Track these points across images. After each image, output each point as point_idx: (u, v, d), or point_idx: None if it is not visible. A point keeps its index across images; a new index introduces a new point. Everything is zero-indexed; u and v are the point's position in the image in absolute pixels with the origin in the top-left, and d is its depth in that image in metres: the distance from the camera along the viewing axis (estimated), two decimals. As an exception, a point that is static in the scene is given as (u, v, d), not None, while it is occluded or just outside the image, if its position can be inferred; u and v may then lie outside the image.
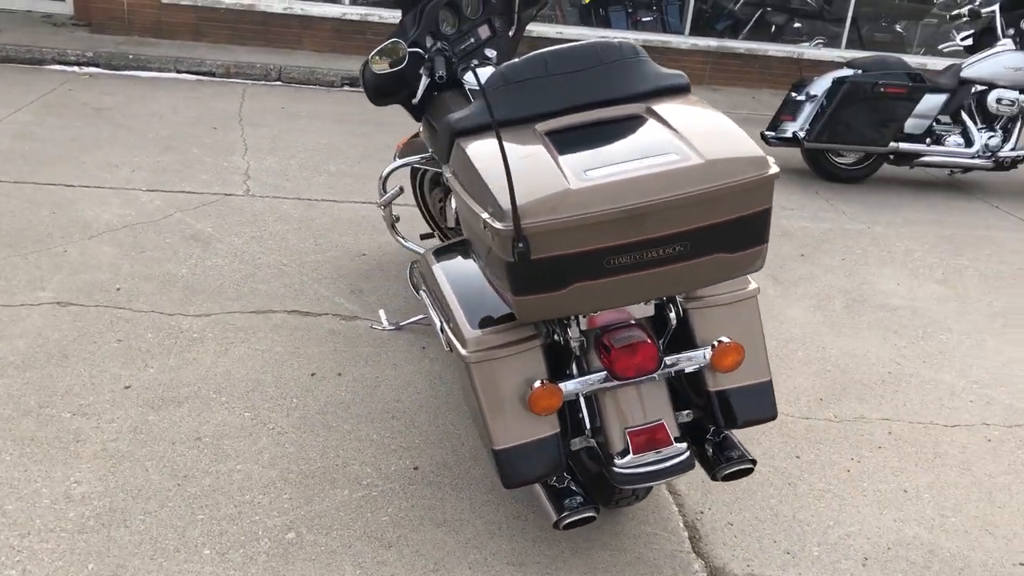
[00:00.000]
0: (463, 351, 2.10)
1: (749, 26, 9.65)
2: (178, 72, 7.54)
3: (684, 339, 2.22)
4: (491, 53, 3.28)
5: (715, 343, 2.15)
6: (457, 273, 2.38)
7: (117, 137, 5.54)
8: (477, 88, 3.09)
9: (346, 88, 7.78)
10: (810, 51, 9.57)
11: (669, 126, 2.00)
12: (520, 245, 1.78)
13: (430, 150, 3.35)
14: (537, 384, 2.04)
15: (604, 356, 2.09)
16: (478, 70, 3.16)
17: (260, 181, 5.03)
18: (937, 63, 9.00)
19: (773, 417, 2.27)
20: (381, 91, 3.17)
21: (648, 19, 9.45)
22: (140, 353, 3.14)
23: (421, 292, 2.54)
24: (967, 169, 6.24)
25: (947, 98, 5.98)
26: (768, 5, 9.68)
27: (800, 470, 2.87)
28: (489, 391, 2.08)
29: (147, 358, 3.12)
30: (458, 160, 2.09)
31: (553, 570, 2.34)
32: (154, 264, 3.83)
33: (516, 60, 2.17)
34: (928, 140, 6.03)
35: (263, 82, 7.65)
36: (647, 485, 2.16)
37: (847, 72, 5.85)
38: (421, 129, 3.46)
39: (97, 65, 7.44)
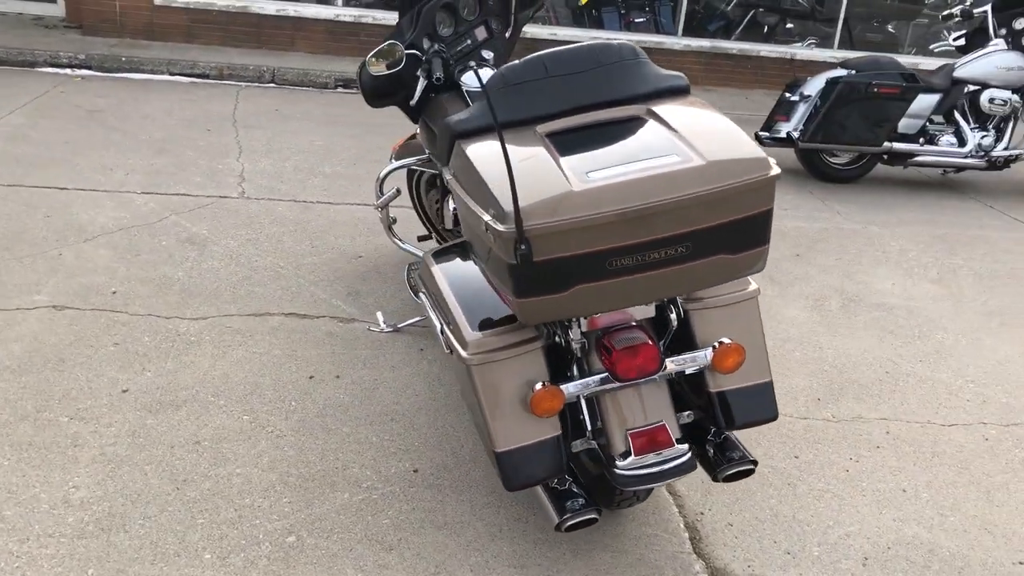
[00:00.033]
0: (464, 353, 2.10)
1: (741, 27, 9.68)
2: (171, 74, 7.52)
3: (685, 340, 2.23)
4: (488, 55, 3.27)
5: (716, 344, 2.15)
6: (457, 275, 2.38)
7: (111, 140, 5.52)
8: (475, 90, 3.09)
9: (340, 90, 7.77)
10: (802, 51, 9.60)
11: (670, 127, 2.00)
12: (522, 247, 1.78)
13: (427, 152, 3.35)
14: (539, 386, 2.04)
15: (605, 357, 2.09)
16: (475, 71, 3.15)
17: (255, 183, 5.01)
18: (928, 63, 9.03)
19: (774, 418, 2.28)
20: (378, 93, 3.17)
21: (641, 20, 9.47)
22: (137, 357, 3.13)
23: (420, 294, 2.54)
24: (960, 168, 6.27)
25: (940, 98, 6.00)
26: (760, 6, 9.71)
27: (799, 470, 2.88)
28: (490, 393, 2.08)
29: (144, 361, 3.11)
30: (459, 162, 2.09)
31: (554, 572, 2.34)
32: (150, 267, 3.82)
33: (516, 62, 2.17)
34: (921, 140, 6.05)
35: (257, 84, 7.63)
36: (649, 487, 2.16)
37: (841, 72, 5.87)
38: (418, 131, 3.45)
39: (89, 67, 7.42)
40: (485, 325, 2.15)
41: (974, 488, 2.88)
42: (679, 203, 1.82)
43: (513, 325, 2.12)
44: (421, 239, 3.88)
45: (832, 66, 6.14)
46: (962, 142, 6.09)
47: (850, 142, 5.90)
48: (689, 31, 9.45)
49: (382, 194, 3.54)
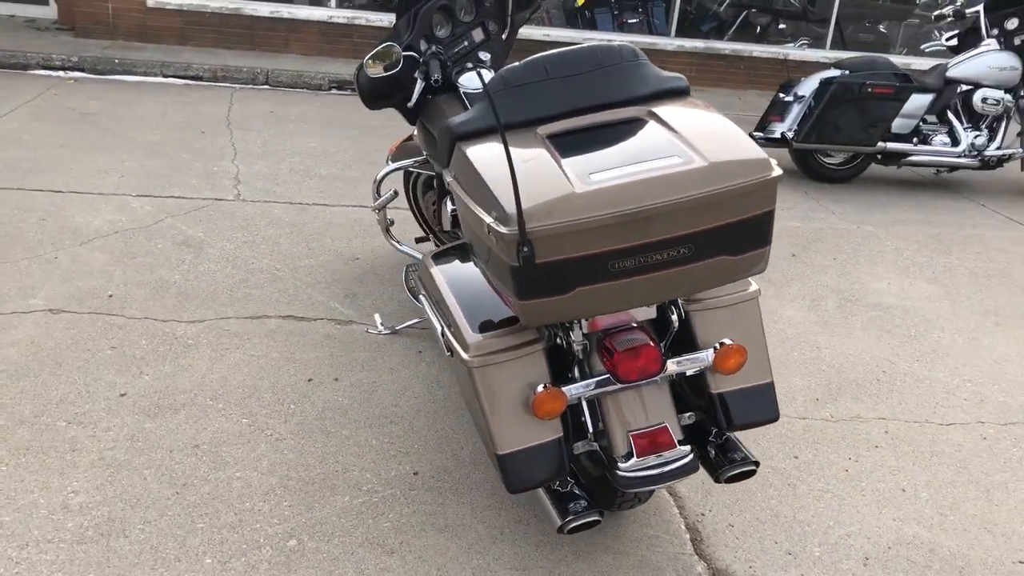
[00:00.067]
0: (465, 356, 2.09)
1: (734, 28, 9.70)
2: (164, 76, 7.50)
3: (686, 341, 2.23)
4: (485, 56, 3.27)
5: (717, 345, 2.15)
6: (457, 277, 2.37)
7: (105, 142, 5.50)
8: (473, 91, 3.09)
9: (334, 91, 7.76)
10: (795, 52, 9.62)
11: (671, 129, 2.00)
12: (525, 249, 1.77)
13: (425, 153, 3.35)
14: (540, 388, 2.04)
15: (607, 359, 2.09)
16: (472, 73, 3.15)
17: (250, 186, 5.00)
18: (919, 63, 9.06)
19: (775, 419, 2.28)
20: (376, 95, 3.16)
21: (634, 21, 9.47)
22: (135, 360, 3.12)
23: (420, 296, 2.53)
24: (953, 168, 6.29)
25: (933, 98, 6.02)
26: (752, 6, 9.73)
27: (799, 470, 2.88)
28: (492, 396, 2.07)
29: (142, 365, 3.10)
30: (460, 164, 2.09)
31: (556, 575, 2.33)
32: (146, 270, 3.80)
33: (516, 64, 2.17)
34: (915, 140, 6.07)
35: (251, 86, 7.62)
36: (651, 488, 2.16)
37: (835, 73, 5.89)
38: (416, 132, 3.45)
39: (82, 70, 7.39)
40: (486, 327, 2.14)
41: (973, 487, 2.89)
42: (681, 205, 1.82)
43: (514, 327, 2.12)
44: (419, 241, 3.87)
45: (825, 66, 6.16)
46: (955, 142, 6.11)
47: (844, 142, 5.92)
48: (682, 32, 9.47)
49: (379, 196, 3.53)
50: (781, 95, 6.06)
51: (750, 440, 2.98)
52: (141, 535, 2.32)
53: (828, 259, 4.78)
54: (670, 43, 9.25)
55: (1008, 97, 6.10)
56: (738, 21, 9.70)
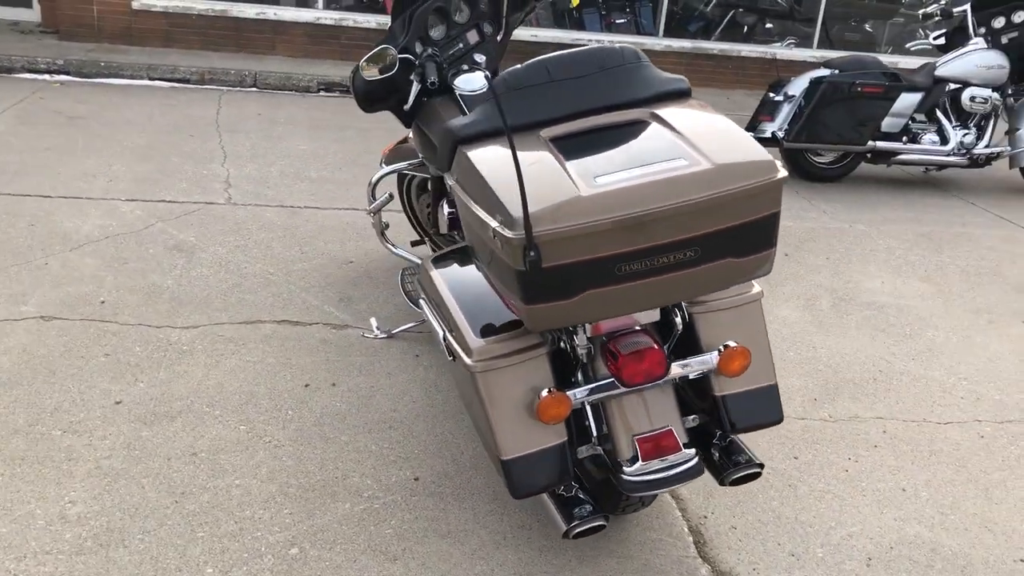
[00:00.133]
0: (468, 360, 2.08)
1: (721, 27, 9.71)
2: (151, 79, 7.45)
3: (689, 344, 2.22)
4: (480, 58, 3.25)
5: (722, 347, 2.15)
6: (457, 281, 2.36)
7: (93, 146, 5.45)
8: (469, 94, 3.07)
9: (323, 93, 7.73)
10: (783, 51, 9.65)
11: (675, 131, 1.99)
12: (532, 254, 1.76)
13: (420, 156, 3.32)
14: (545, 393, 2.02)
15: (611, 363, 2.08)
16: (468, 75, 3.13)
17: (241, 189, 4.97)
18: (905, 62, 9.10)
19: (779, 420, 2.27)
20: (371, 97, 3.14)
21: (622, 21, 9.48)
22: (129, 367, 3.09)
23: (420, 301, 2.51)
24: (942, 166, 6.32)
25: (922, 97, 6.04)
26: (740, 6, 9.75)
27: (799, 471, 2.88)
28: (496, 401, 2.06)
29: (137, 372, 3.06)
30: (462, 168, 2.07)
31: (561, 579, 2.32)
32: (138, 276, 3.77)
33: (518, 66, 2.15)
34: (904, 138, 6.10)
35: (238, 88, 7.57)
36: (657, 492, 2.15)
37: (824, 72, 5.91)
38: (411, 135, 3.43)
39: (68, 73, 7.33)
40: (488, 331, 2.13)
41: (972, 486, 2.89)
42: (688, 207, 1.81)
43: (517, 331, 2.10)
44: (414, 244, 3.85)
45: (813, 65, 6.18)
46: (944, 140, 6.14)
47: (835, 141, 5.93)
48: (670, 32, 9.48)
49: (374, 199, 3.51)
50: (771, 95, 6.07)
51: (750, 441, 2.97)
52: (141, 545, 2.29)
53: (821, 258, 4.79)
54: (658, 43, 9.26)
55: (996, 95, 6.14)
56: (725, 21, 9.72)
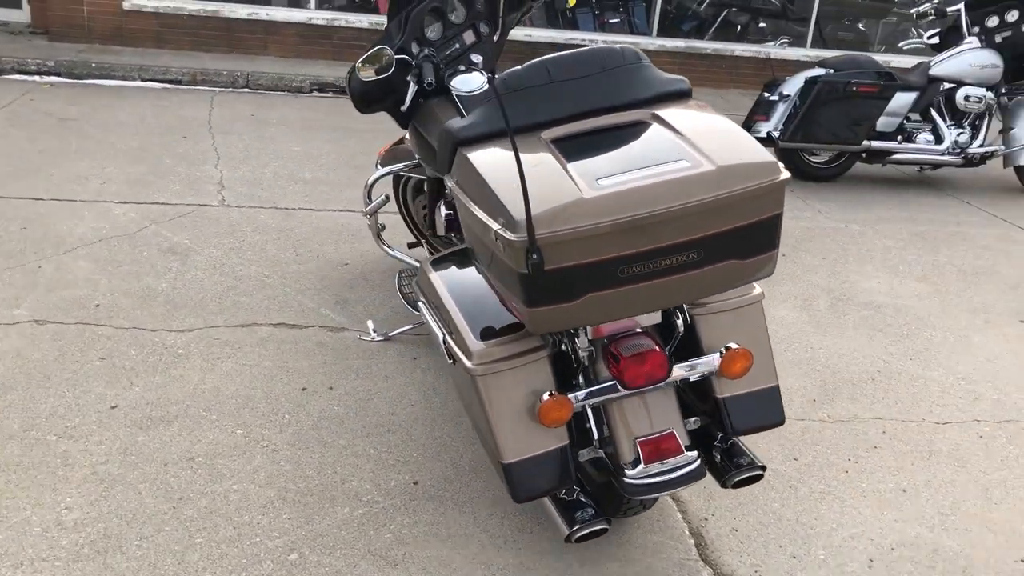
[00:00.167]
0: (469, 364, 2.06)
1: (715, 27, 9.71)
2: (143, 80, 7.41)
3: (690, 346, 2.20)
4: (477, 58, 3.23)
5: (723, 349, 2.13)
6: (457, 283, 2.34)
7: (85, 148, 5.41)
8: (466, 94, 3.05)
9: (315, 94, 7.70)
10: (776, 50, 9.65)
11: (677, 132, 1.98)
12: (534, 256, 1.74)
13: (417, 157, 3.31)
14: (546, 396, 2.01)
15: (613, 365, 2.06)
16: (465, 76, 3.11)
17: (235, 191, 4.94)
18: (898, 61, 9.11)
19: (781, 422, 2.26)
20: (368, 98, 3.12)
21: (615, 21, 9.47)
22: (124, 371, 3.06)
23: (419, 304, 2.49)
24: (937, 166, 6.33)
25: (917, 96, 6.05)
26: (733, 5, 9.75)
27: (799, 472, 2.87)
28: (497, 404, 2.04)
29: (132, 376, 3.04)
30: (463, 170, 2.05)
31: (562, 583, 2.31)
32: (132, 279, 3.74)
33: (518, 67, 2.14)
34: (899, 138, 6.10)
35: (231, 89, 7.54)
36: (659, 495, 2.13)
37: (819, 71, 5.91)
38: (407, 136, 3.41)
39: (58, 74, 7.28)
40: (488, 334, 2.11)
41: (972, 486, 2.89)
42: (691, 209, 1.80)
43: (518, 334, 2.09)
44: (411, 246, 3.83)
45: (807, 65, 6.18)
46: (939, 139, 6.15)
47: (830, 141, 5.93)
48: (663, 31, 9.47)
49: (370, 201, 3.49)
50: (766, 94, 6.07)
51: (749, 442, 2.95)
52: (138, 551, 2.26)
53: (817, 258, 4.79)
54: (652, 43, 9.25)
55: (990, 95, 6.15)
56: (718, 20, 9.72)
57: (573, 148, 1.98)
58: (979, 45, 6.18)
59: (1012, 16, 6.10)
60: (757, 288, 2.22)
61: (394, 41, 3.08)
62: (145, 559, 2.24)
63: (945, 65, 6.13)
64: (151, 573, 2.20)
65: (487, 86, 3.11)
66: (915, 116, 6.15)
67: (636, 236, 1.79)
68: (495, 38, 3.34)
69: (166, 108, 6.62)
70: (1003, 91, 6.30)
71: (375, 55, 2.96)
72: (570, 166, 1.90)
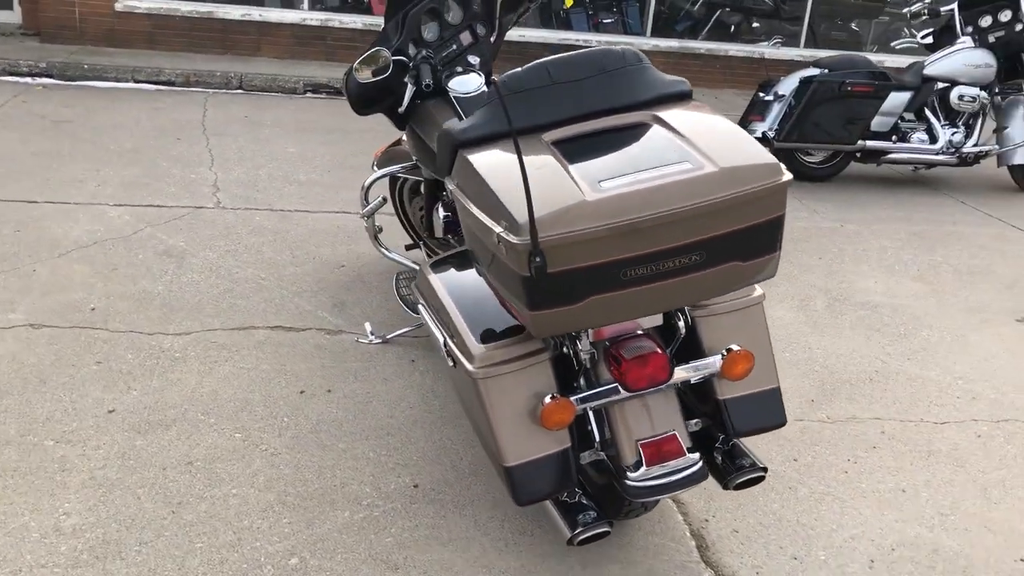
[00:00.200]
0: (470, 367, 2.05)
1: (708, 27, 9.72)
2: (136, 82, 7.38)
3: (691, 348, 2.20)
4: (474, 59, 3.22)
5: (725, 351, 2.13)
6: (457, 285, 2.33)
7: (79, 150, 5.39)
8: (463, 96, 3.05)
9: (309, 95, 7.69)
10: (770, 50, 9.66)
11: (679, 134, 1.97)
12: (537, 259, 1.74)
13: (414, 158, 3.30)
14: (548, 399, 2.00)
15: (614, 368, 2.06)
16: (462, 77, 3.11)
17: (230, 193, 4.92)
18: (891, 60, 9.13)
19: (783, 424, 2.26)
20: (365, 100, 3.11)
21: (609, 21, 9.47)
22: (122, 375, 3.04)
23: (419, 306, 2.48)
24: (931, 165, 6.35)
25: (911, 96, 6.06)
26: (726, 5, 9.76)
27: (799, 473, 2.87)
28: (498, 407, 2.04)
29: (129, 380, 3.02)
30: (464, 172, 2.04)
31: (564, 586, 2.30)
32: (128, 282, 3.72)
33: (518, 69, 2.13)
34: (894, 137, 6.12)
35: (224, 90, 7.51)
36: (661, 497, 2.13)
37: (814, 71, 5.92)
38: (405, 137, 3.40)
39: (51, 76, 7.26)
40: (489, 337, 2.10)
41: (971, 486, 2.89)
42: (695, 211, 1.79)
43: (519, 337, 2.08)
44: (409, 248, 3.82)
45: (800, 65, 6.19)
46: (933, 139, 6.17)
47: (825, 141, 5.94)
48: (657, 31, 9.47)
49: (367, 203, 3.48)
50: (761, 94, 6.07)
51: (748, 443, 2.95)
52: (138, 557, 2.25)
53: (814, 258, 4.79)
54: (646, 43, 9.26)
55: (984, 94, 6.16)
56: (712, 20, 9.73)
57: (575, 150, 1.97)
58: (972, 45, 6.20)
59: (1005, 16, 6.12)
60: (758, 289, 2.22)
61: (391, 42, 3.07)
62: (145, 565, 2.23)
63: (939, 65, 6.15)
64: (151, 579, 2.19)
65: (485, 87, 3.10)
66: (909, 116, 6.17)
67: (639, 238, 1.79)
68: (492, 39, 3.33)
69: (160, 110, 6.60)
70: (997, 91, 6.32)
71: (372, 56, 2.95)
72: (572, 168, 1.89)
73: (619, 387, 2.06)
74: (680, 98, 2.16)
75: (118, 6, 8.13)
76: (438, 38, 3.16)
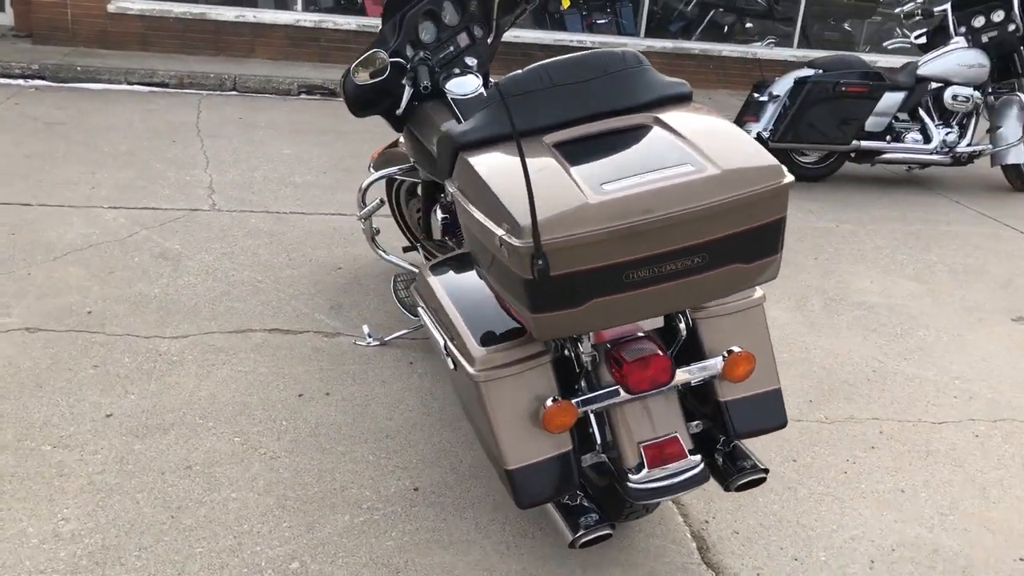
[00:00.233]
0: (471, 370, 2.05)
1: (702, 27, 9.73)
2: (129, 84, 7.35)
3: (692, 349, 2.20)
4: (471, 61, 3.22)
5: (726, 353, 2.13)
6: (457, 288, 2.33)
7: (73, 153, 5.36)
8: (461, 98, 3.04)
9: (303, 96, 7.67)
10: (763, 51, 9.68)
11: (680, 136, 1.97)
12: (540, 262, 1.73)
13: (412, 160, 3.29)
14: (550, 402, 2.00)
15: (616, 370, 2.06)
16: (460, 79, 3.10)
17: (225, 195, 4.91)
18: (884, 60, 9.15)
19: (784, 425, 2.26)
20: (363, 102, 3.10)
21: (603, 21, 9.47)
22: (119, 379, 3.03)
23: (419, 309, 2.48)
24: (925, 165, 6.37)
25: (905, 96, 6.08)
26: (719, 5, 9.77)
27: (798, 474, 2.87)
28: (500, 410, 2.03)
29: (126, 384, 3.01)
30: (465, 175, 2.04)
31: (566, 589, 2.30)
32: (124, 285, 3.70)
33: (518, 72, 2.13)
34: (888, 137, 6.13)
35: (218, 92, 7.49)
36: (663, 499, 2.13)
37: (808, 72, 5.92)
38: (402, 139, 3.39)
39: (43, 78, 7.22)
40: (490, 339, 2.10)
41: (970, 486, 2.89)
42: (696, 213, 1.79)
43: (520, 339, 2.08)
44: (406, 250, 3.81)
45: (793, 65, 6.20)
46: (927, 139, 6.18)
47: (820, 141, 5.95)
48: (650, 32, 9.48)
49: (364, 205, 3.47)
50: (755, 95, 6.08)
51: (748, 444, 2.95)
52: (138, 562, 2.24)
53: (810, 259, 4.80)
54: (640, 43, 9.26)
55: (977, 94, 6.18)
56: (705, 21, 9.74)
57: (576, 152, 1.97)
58: (966, 45, 6.22)
59: (998, 16, 6.14)
60: (758, 291, 2.22)
61: (389, 44, 3.06)
62: (145, 570, 2.22)
63: (933, 65, 6.16)
64: (151, 584, 2.18)
65: (482, 89, 3.10)
66: (903, 116, 6.18)
67: (642, 241, 1.79)
68: (489, 40, 3.32)
69: (154, 112, 6.58)
70: (990, 90, 6.34)
71: (369, 58, 2.95)
72: (573, 171, 1.89)
73: (620, 389, 2.06)
74: (680, 100, 2.16)
75: (111, 7, 8.10)
76: (435, 40, 3.16)
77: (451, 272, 2.41)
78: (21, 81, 7.13)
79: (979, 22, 6.24)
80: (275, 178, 5.28)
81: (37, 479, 2.51)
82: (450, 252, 3.11)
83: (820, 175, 6.31)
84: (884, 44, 8.47)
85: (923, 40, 6.54)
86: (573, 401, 2.03)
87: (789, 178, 1.89)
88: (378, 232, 3.59)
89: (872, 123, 6.01)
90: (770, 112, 5.93)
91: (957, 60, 6.19)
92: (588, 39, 9.23)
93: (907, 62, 6.33)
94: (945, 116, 6.24)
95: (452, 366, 2.18)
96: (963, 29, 6.27)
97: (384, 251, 3.60)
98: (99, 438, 2.71)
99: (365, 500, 2.55)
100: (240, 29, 8.41)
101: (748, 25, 9.96)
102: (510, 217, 1.79)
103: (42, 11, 8.05)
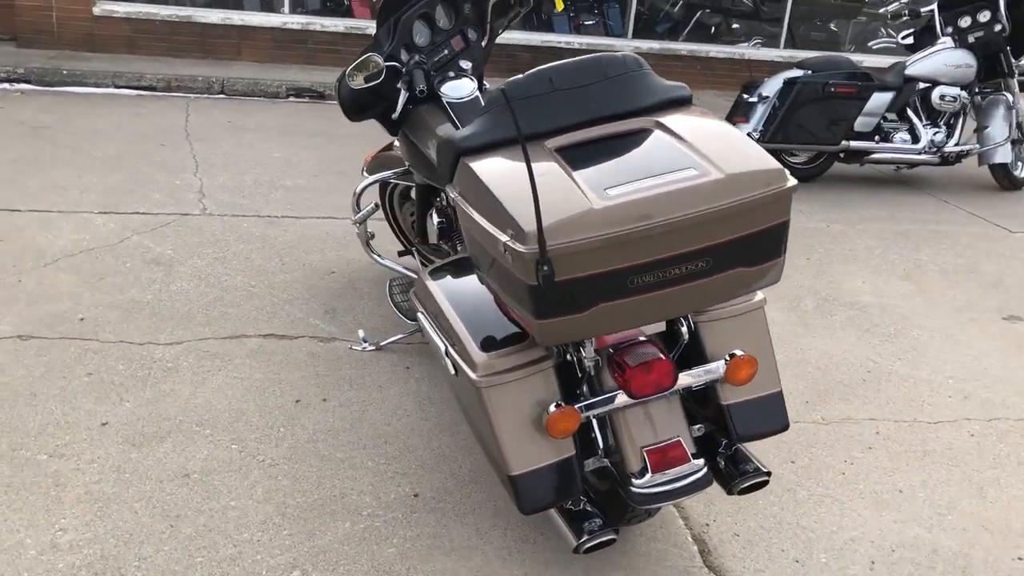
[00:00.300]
0: (473, 375, 2.04)
1: (688, 28, 9.75)
2: (116, 87, 7.30)
3: (694, 353, 2.20)
4: (466, 64, 3.21)
5: (728, 356, 2.13)
6: (457, 294, 2.32)
7: (61, 157, 5.32)
8: (457, 101, 3.03)
9: (292, 99, 7.63)
10: (750, 51, 9.70)
11: (682, 139, 1.97)
12: (544, 268, 1.73)
13: (407, 164, 3.28)
14: (553, 407, 1.99)
15: (618, 375, 2.05)
16: (455, 83, 3.09)
17: (216, 199, 4.88)
18: (870, 60, 9.19)
19: (785, 428, 2.26)
20: (358, 106, 3.09)
21: (590, 23, 9.48)
22: (114, 386, 3.00)
23: (418, 314, 2.47)
24: (913, 165, 6.40)
25: (894, 96, 6.10)
26: (706, 6, 9.79)
27: (797, 475, 2.87)
28: (502, 416, 2.03)
29: (121, 391, 2.98)
30: (466, 180, 2.03)
31: (569, 594, 2.29)
32: (116, 291, 3.67)
33: (519, 76, 2.12)
34: (877, 138, 6.15)
35: (206, 95, 7.45)
36: (666, 504, 2.13)
37: (797, 73, 5.94)
38: (397, 143, 3.38)
39: (28, 81, 7.16)
40: (491, 344, 2.09)
41: (967, 485, 2.91)
42: (701, 218, 1.79)
43: (522, 344, 2.07)
44: (401, 255, 3.80)
45: (781, 66, 6.21)
46: (915, 139, 6.21)
47: (809, 141, 5.97)
48: (638, 33, 9.49)
49: (359, 209, 3.46)
50: (745, 96, 6.09)
51: (748, 447, 2.96)
52: (138, 573, 2.22)
53: (802, 259, 4.81)
54: (627, 44, 9.27)
55: (964, 94, 6.22)
56: (692, 22, 9.76)
57: (578, 157, 1.96)
58: (953, 45, 6.25)
59: (984, 16, 6.18)
60: (759, 294, 2.23)
61: (383, 48, 3.05)
62: (145, 580, 2.20)
63: (920, 65, 6.20)
64: (152, 594, 2.16)
65: (477, 92, 3.10)
66: (892, 116, 6.21)
67: (646, 246, 1.78)
68: (483, 43, 3.32)
69: (141, 115, 6.53)
70: (977, 90, 6.38)
71: (364, 62, 2.93)
72: (576, 175, 1.88)
73: (623, 394, 2.05)
74: (680, 103, 2.16)
75: (96, 10, 8.04)
76: (430, 43, 3.15)
77: (450, 277, 2.40)
78: (6, 85, 7.07)
79: (965, 22, 6.27)
80: (266, 182, 5.26)
81: (34, 489, 2.48)
82: (445, 256, 3.11)
83: (810, 175, 6.33)
84: (869, 44, 8.51)
85: (910, 40, 6.57)
86: (576, 406, 2.03)
87: (792, 182, 1.89)
88: (373, 236, 3.58)
89: (861, 123, 6.03)
90: (759, 113, 5.94)
91: (944, 60, 6.22)
92: (576, 40, 9.23)
93: (895, 62, 6.36)
94: (933, 116, 6.27)
95: (453, 371, 2.17)
96: (950, 29, 6.31)
97: (379, 255, 3.58)
98: (95, 447, 2.68)
99: (365, 507, 2.54)
100: (227, 32, 8.36)
101: (735, 26, 9.99)
102: (514, 222, 1.79)
103: (26, 14, 7.98)
